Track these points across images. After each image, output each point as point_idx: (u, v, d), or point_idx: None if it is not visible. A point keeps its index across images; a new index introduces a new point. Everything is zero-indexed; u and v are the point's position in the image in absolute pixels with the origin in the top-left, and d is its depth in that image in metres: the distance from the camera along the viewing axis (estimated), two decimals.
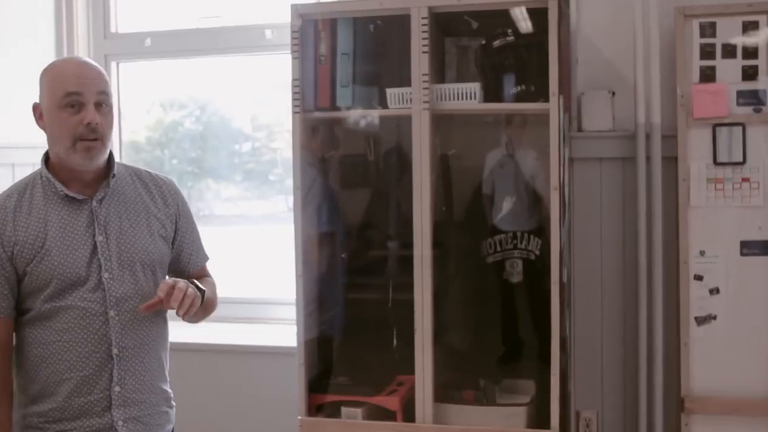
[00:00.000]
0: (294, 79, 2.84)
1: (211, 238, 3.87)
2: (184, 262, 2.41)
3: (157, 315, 2.29)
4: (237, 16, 3.79)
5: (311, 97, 2.88)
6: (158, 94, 4.11)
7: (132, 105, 4.03)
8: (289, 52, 2.89)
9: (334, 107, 2.90)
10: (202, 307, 2.29)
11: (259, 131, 4.02)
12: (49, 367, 2.18)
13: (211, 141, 4.04)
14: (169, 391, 2.39)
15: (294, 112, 2.84)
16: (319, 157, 2.97)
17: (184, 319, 2.26)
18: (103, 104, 2.19)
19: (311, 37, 2.88)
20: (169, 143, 4.15)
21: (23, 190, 2.24)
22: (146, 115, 4.13)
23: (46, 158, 2.26)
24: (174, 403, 2.41)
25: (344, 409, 2.86)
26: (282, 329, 3.54)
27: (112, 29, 3.95)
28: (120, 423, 2.21)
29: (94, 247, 2.20)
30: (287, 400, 3.05)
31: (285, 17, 2.93)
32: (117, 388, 2.20)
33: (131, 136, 4.05)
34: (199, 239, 2.47)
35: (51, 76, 2.20)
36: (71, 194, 2.21)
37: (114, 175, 2.26)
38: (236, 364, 3.49)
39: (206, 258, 2.50)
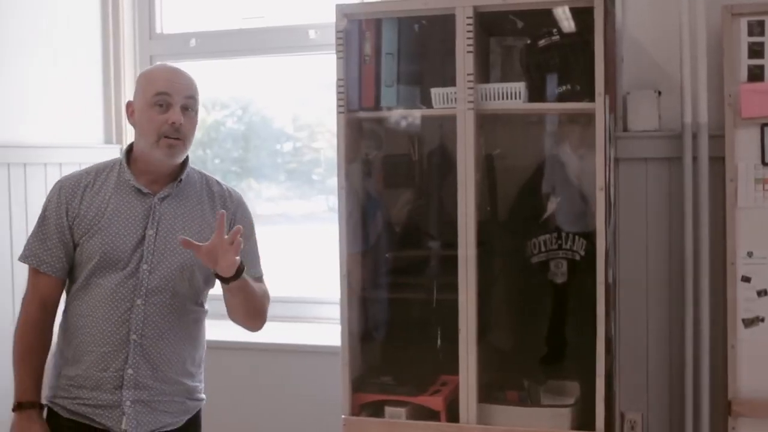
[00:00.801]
0: (339, 79, 2.84)
1: None
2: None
3: (191, 314, 2.41)
4: (281, 17, 3.81)
5: (355, 97, 2.89)
6: (201, 93, 4.13)
7: None
8: (333, 52, 2.90)
9: (378, 107, 2.90)
10: (243, 293, 2.34)
11: (301, 131, 4.04)
12: (79, 336, 2.35)
13: (253, 141, 4.07)
14: (193, 385, 2.48)
15: (338, 112, 2.85)
16: (363, 157, 2.97)
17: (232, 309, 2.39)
18: (189, 108, 2.36)
19: (356, 37, 2.88)
20: (211, 143, 4.18)
21: (101, 170, 2.42)
22: None
23: (129, 149, 2.43)
24: (202, 397, 2.52)
25: (388, 409, 2.86)
26: (325, 328, 3.55)
27: (158, 30, 3.99)
28: (128, 403, 2.34)
29: (142, 238, 2.34)
30: (331, 400, 3.06)
31: (329, 17, 2.94)
32: (130, 371, 2.33)
33: None
34: (254, 253, 2.50)
35: (146, 77, 2.39)
36: (138, 186, 2.37)
37: (181, 180, 2.40)
38: (280, 363, 3.51)
39: (259, 273, 2.51)
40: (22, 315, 2.38)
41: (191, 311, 2.43)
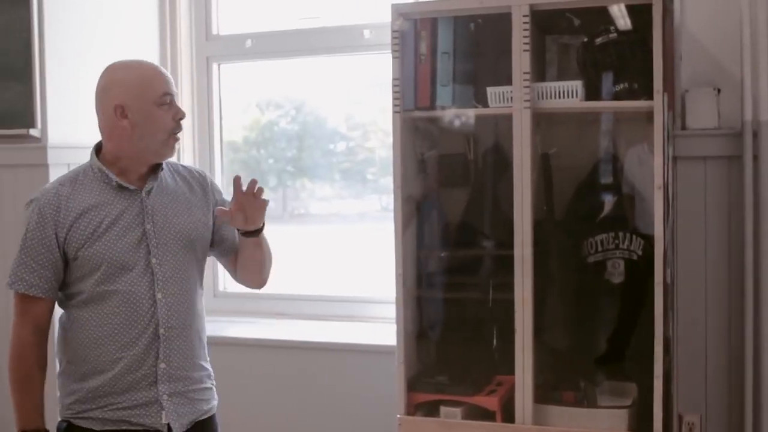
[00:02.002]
0: (394, 79, 2.84)
1: (307, 236, 3.95)
2: (228, 245, 2.56)
3: (197, 296, 2.45)
4: (336, 17, 3.82)
5: (411, 96, 2.88)
6: (255, 94, 4.17)
7: (230, 105, 4.10)
8: (387, 51, 2.90)
9: (433, 106, 2.89)
10: (264, 243, 2.51)
11: (354, 131, 4.05)
12: (101, 347, 2.33)
13: (307, 141, 4.09)
14: (210, 368, 2.52)
15: (394, 112, 2.85)
16: (418, 156, 2.97)
17: (247, 269, 2.55)
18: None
19: (411, 36, 2.88)
20: (266, 143, 4.21)
21: (75, 179, 2.39)
22: (242, 115, 4.20)
23: (97, 151, 2.41)
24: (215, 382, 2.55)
25: (443, 409, 2.85)
26: (380, 328, 3.56)
27: (214, 31, 4.02)
28: (165, 397, 2.35)
29: (143, 234, 2.35)
30: (385, 399, 3.07)
31: (383, 17, 2.94)
32: (162, 365, 2.36)
33: (229, 135, 4.12)
34: None
35: (141, 78, 2.36)
36: (125, 184, 2.37)
37: (162, 169, 2.43)
38: (335, 362, 3.52)
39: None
40: (15, 340, 2.33)
41: (198, 293, 2.47)
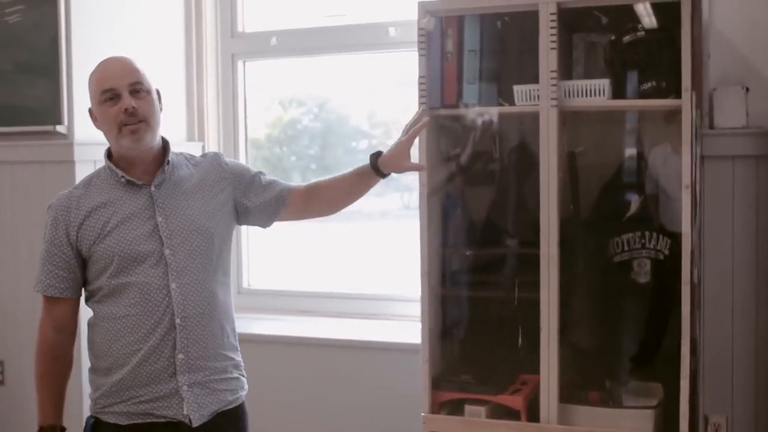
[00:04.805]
0: (420, 77, 2.84)
1: (330, 234, 3.95)
2: (273, 197, 2.59)
3: (217, 285, 2.44)
4: (361, 14, 3.82)
5: (437, 94, 2.88)
6: (277, 92, 4.18)
7: (253, 103, 4.11)
8: (412, 49, 2.91)
9: (459, 104, 2.89)
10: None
11: (376, 128, 4.04)
12: (120, 340, 2.35)
13: (329, 138, 4.09)
14: (238, 358, 2.51)
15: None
16: (443, 154, 2.96)
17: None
18: (139, 91, 2.38)
19: (438, 34, 2.87)
20: (288, 141, 4.22)
21: (88, 181, 2.46)
22: (265, 112, 4.21)
23: (108, 153, 2.46)
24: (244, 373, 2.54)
25: (467, 407, 2.85)
26: (403, 325, 3.56)
27: (239, 29, 4.04)
28: (185, 388, 2.36)
29: (155, 227, 2.38)
30: (409, 397, 3.07)
31: (408, 14, 2.94)
32: (180, 356, 2.35)
33: (251, 133, 4.12)
34: (267, 179, 2.62)
35: (90, 82, 2.42)
36: (132, 179, 2.40)
37: (169, 162, 2.44)
38: (359, 359, 3.52)
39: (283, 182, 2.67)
40: (38, 339, 2.41)
41: (221, 282, 2.46)
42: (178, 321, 2.34)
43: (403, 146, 2.55)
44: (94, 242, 2.35)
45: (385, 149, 2.59)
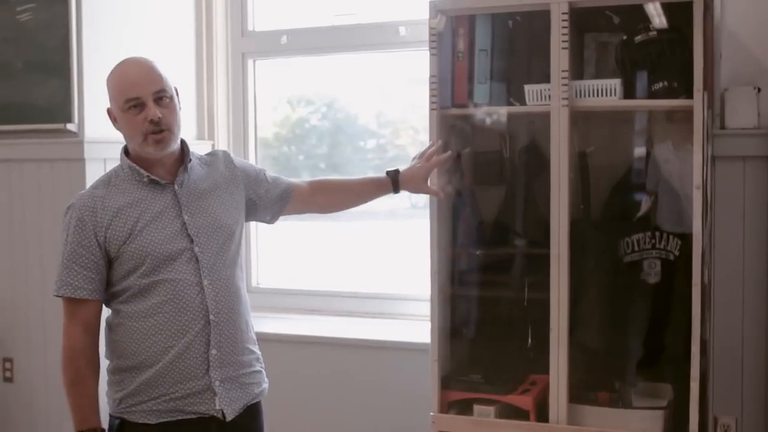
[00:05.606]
0: (431, 76, 2.84)
1: (337, 233, 3.96)
2: (280, 193, 2.67)
3: (240, 281, 2.49)
4: (371, 14, 3.82)
5: (448, 93, 2.88)
6: (286, 91, 4.18)
7: (261, 101, 4.11)
8: (422, 48, 2.91)
9: (470, 104, 2.89)
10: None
11: (384, 128, 4.04)
12: (150, 338, 2.34)
13: (338, 137, 4.09)
14: (258, 352, 2.55)
15: (431, 109, 2.84)
16: (453, 154, 2.96)
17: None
18: (162, 98, 2.37)
19: (449, 33, 2.87)
20: (296, 140, 4.22)
21: (108, 181, 2.43)
22: (273, 111, 4.21)
23: (125, 151, 2.45)
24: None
25: (476, 407, 2.85)
26: (412, 325, 3.56)
27: (249, 27, 4.04)
28: (217, 383, 2.37)
29: (182, 225, 2.39)
30: (418, 396, 3.07)
31: (419, 14, 2.94)
32: (214, 351, 2.37)
33: (260, 131, 4.13)
34: (273, 177, 2.71)
35: (112, 85, 2.40)
36: (156, 178, 2.40)
37: (190, 160, 2.46)
38: (368, 359, 3.52)
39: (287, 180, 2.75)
40: (66, 344, 2.36)
41: (239, 277, 2.49)
42: (212, 317, 2.36)
43: (426, 171, 2.79)
44: (124, 242, 2.34)
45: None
